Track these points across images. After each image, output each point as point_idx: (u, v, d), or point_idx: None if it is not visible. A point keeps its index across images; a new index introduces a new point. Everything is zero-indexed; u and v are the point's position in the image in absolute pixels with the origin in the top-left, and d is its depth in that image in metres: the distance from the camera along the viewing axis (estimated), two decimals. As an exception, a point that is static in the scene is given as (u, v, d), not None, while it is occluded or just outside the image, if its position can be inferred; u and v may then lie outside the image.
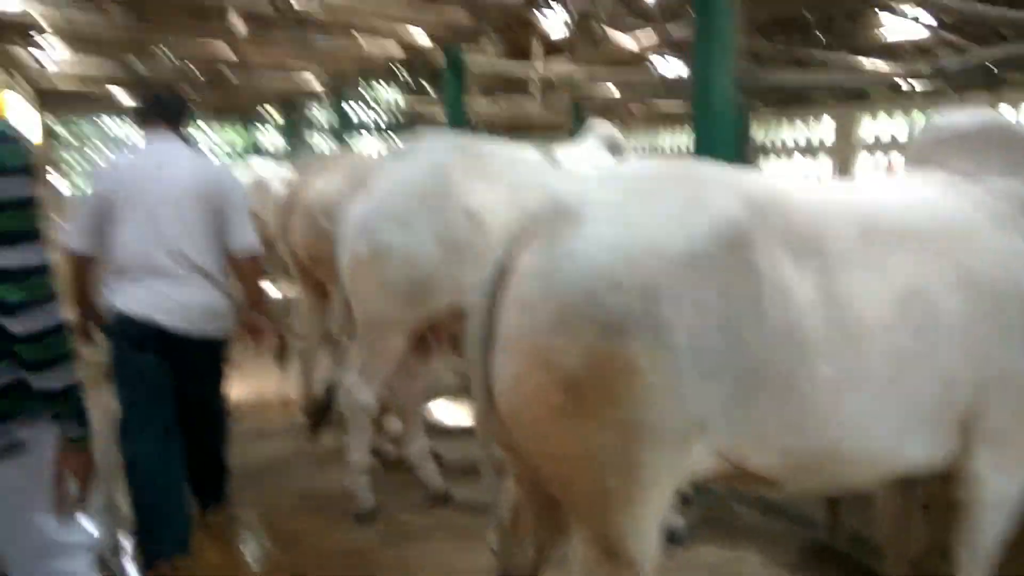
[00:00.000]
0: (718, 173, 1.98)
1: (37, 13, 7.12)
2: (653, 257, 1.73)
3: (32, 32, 8.36)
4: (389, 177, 3.38)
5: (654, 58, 13.07)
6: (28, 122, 8.87)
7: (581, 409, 1.73)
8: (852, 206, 2.05)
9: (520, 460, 2.01)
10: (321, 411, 4.25)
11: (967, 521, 2.23)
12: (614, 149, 6.05)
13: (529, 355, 1.77)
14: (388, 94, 18.85)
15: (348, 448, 3.64)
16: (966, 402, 2.06)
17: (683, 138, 15.11)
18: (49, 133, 14.90)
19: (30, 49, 9.26)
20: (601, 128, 6.21)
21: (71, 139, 17.91)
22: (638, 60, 12.98)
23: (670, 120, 14.17)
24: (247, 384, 5.74)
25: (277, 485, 4.10)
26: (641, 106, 11.74)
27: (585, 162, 5.58)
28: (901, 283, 1.95)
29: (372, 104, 16.36)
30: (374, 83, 17.48)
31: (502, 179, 3.37)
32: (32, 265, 1.65)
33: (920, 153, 2.34)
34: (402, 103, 15.75)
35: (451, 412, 5.35)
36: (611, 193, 1.86)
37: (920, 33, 9.57)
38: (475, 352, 1.88)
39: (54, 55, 10.01)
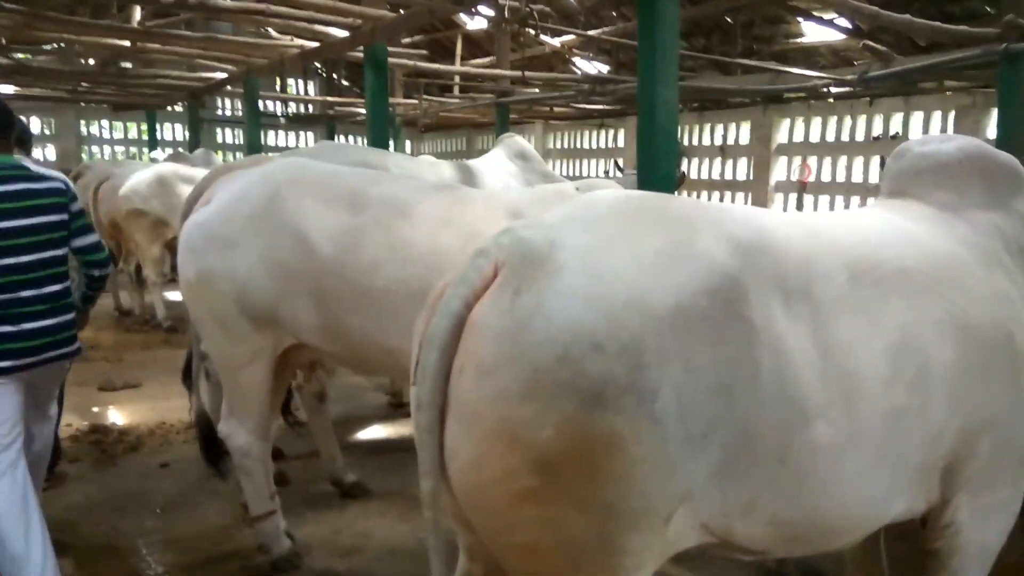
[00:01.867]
0: (697, 209, 1.76)
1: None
2: (637, 313, 1.49)
3: None
4: (221, 192, 2.99)
5: (577, 59, 13.01)
6: None
7: (555, 492, 1.48)
8: (839, 245, 1.86)
9: (476, 538, 1.73)
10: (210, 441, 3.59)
11: (943, 572, 2.10)
12: (522, 158, 5.89)
13: (492, 429, 1.49)
14: (304, 89, 18.15)
15: (246, 498, 3.26)
16: (951, 450, 1.92)
17: (605, 138, 15.13)
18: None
19: None
20: (508, 139, 6.09)
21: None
22: (562, 60, 12.89)
23: (593, 121, 14.17)
24: (148, 408, 5.26)
25: (181, 523, 3.69)
26: (566, 106, 11.61)
27: (494, 174, 5.42)
28: (894, 331, 1.77)
29: (285, 98, 15.68)
30: (290, 80, 16.78)
31: (341, 200, 2.91)
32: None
33: (897, 183, 2.19)
34: (317, 98, 15.15)
35: (380, 435, 5.02)
36: (585, 235, 1.60)
37: (835, 36, 9.82)
38: (424, 419, 1.59)
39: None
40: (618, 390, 1.45)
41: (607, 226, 1.63)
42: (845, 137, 10.42)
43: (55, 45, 10.42)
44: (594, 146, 14.87)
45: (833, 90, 8.99)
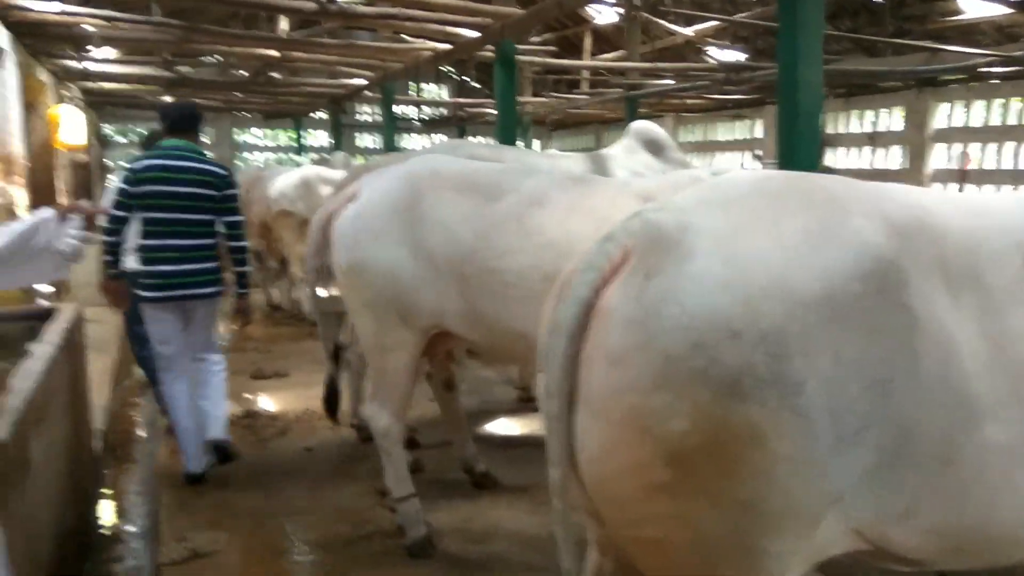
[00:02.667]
0: (847, 188, 1.63)
1: (85, 21, 7.05)
2: (779, 299, 1.39)
3: (82, 40, 8.32)
4: (368, 188, 3.18)
5: (711, 49, 12.59)
6: (77, 129, 8.85)
7: (689, 487, 1.41)
8: (1012, 226, 1.67)
9: (606, 531, 1.69)
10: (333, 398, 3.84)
11: None
12: (655, 148, 5.67)
13: (621, 419, 1.44)
14: (436, 92, 18.69)
15: (386, 480, 3.38)
16: None
17: (741, 130, 14.57)
18: (98, 137, 15.08)
19: (82, 58, 9.26)
20: (639, 126, 5.85)
21: (122, 141, 18.17)
22: (694, 51, 12.53)
23: (728, 112, 13.67)
24: (296, 395, 5.55)
25: (323, 503, 3.86)
26: (698, 98, 11.27)
27: (625, 164, 5.25)
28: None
29: (419, 102, 16.18)
30: (422, 83, 17.34)
31: (478, 191, 3.04)
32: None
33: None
34: (448, 100, 15.53)
35: (510, 428, 5.05)
36: (720, 216, 1.51)
37: (1000, 11, 8.93)
38: (553, 407, 1.56)
39: (103, 64, 10.03)
40: (757, 381, 1.36)
41: (745, 207, 1.54)
42: (1012, 120, 9.51)
43: (213, 58, 11.25)
44: (729, 138, 14.36)
45: (997, 70, 8.22)
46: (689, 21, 9.87)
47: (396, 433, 3.26)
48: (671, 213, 1.55)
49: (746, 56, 11.97)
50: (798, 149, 3.24)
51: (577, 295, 1.53)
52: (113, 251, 3.83)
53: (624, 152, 5.21)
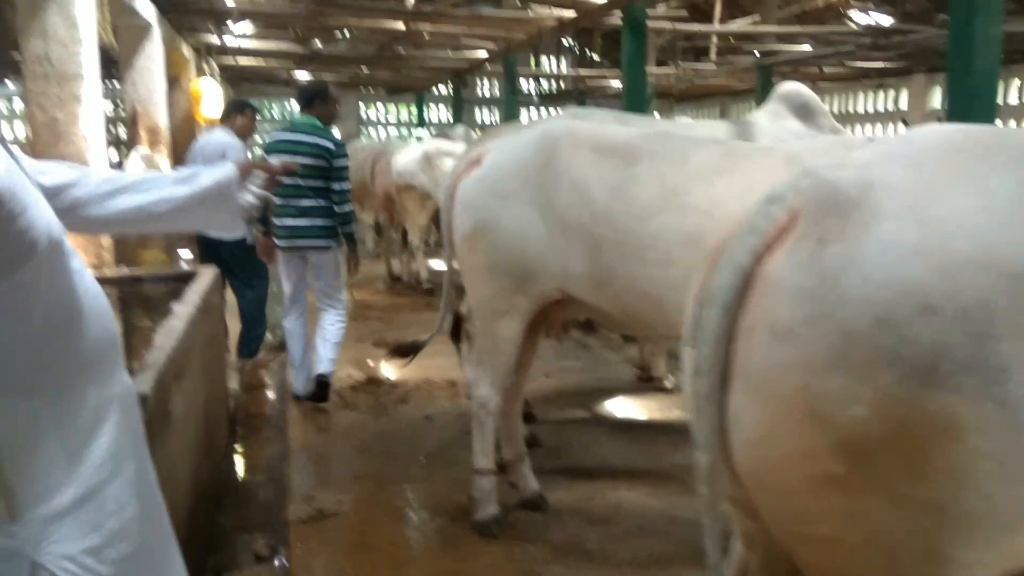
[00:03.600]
0: None
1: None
2: (984, 269, 1.18)
3: (222, 15, 8.69)
4: (496, 152, 3.08)
5: (853, 12, 11.74)
6: (216, 103, 9.29)
7: (867, 483, 1.23)
8: None
9: (757, 524, 1.53)
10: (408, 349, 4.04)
11: None
12: (805, 114, 5.22)
13: (789, 401, 1.28)
14: (556, 66, 18.49)
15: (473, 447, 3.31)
16: None
17: (884, 100, 13.59)
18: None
19: (221, 32, 9.69)
20: (787, 88, 5.37)
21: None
22: (834, 15, 11.72)
23: (870, 81, 12.74)
24: (415, 365, 5.61)
25: (440, 472, 3.86)
26: (838, 66, 10.53)
27: (772, 131, 4.87)
28: None
29: (540, 75, 16.04)
30: (543, 56, 17.18)
31: (617, 152, 2.87)
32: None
33: None
34: (568, 73, 15.28)
35: (628, 409, 4.91)
36: (912, 173, 1.31)
37: None
38: (703, 385, 1.41)
39: (240, 40, 10.46)
40: (956, 364, 1.16)
41: (941, 164, 1.32)
42: None
43: (342, 34, 11.52)
44: (871, 110, 13.42)
45: None
46: (830, -17, 9.21)
47: (494, 405, 3.18)
48: (850, 171, 1.35)
49: (891, 21, 11.09)
50: (973, 112, 2.88)
51: (735, 262, 1.37)
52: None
53: (769, 118, 4.84)
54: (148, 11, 7.62)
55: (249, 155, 5.39)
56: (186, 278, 3.99)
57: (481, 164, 3.07)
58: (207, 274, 4.03)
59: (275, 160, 4.09)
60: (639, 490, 3.65)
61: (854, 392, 1.21)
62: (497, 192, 2.96)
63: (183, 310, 3.21)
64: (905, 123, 8.28)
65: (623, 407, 4.92)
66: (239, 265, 5.24)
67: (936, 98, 12.49)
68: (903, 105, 12.70)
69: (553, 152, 2.92)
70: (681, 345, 1.55)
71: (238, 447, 4.36)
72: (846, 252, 1.25)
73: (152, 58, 7.91)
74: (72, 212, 1.66)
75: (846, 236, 1.27)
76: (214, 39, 9.85)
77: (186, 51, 9.94)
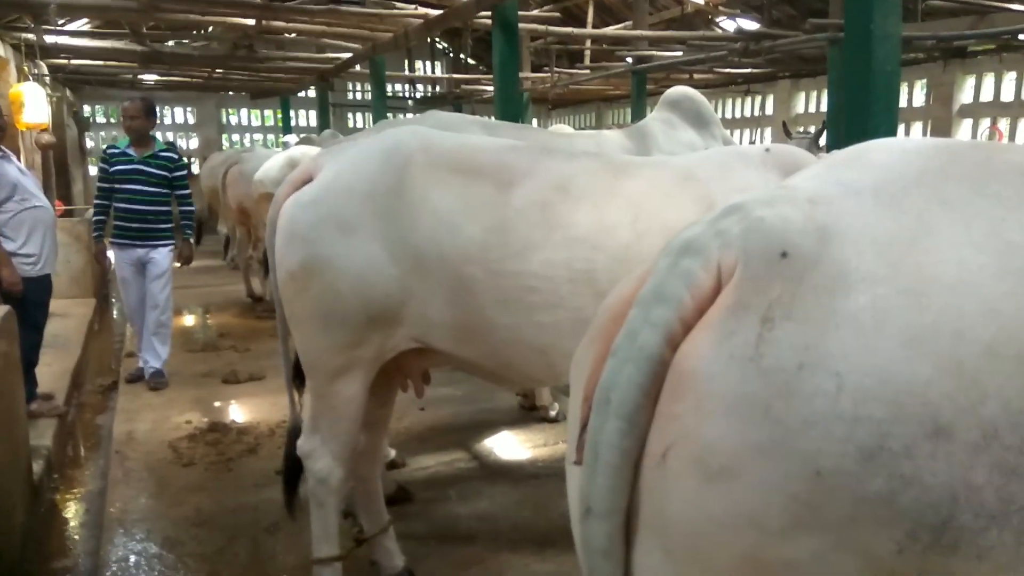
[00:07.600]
0: None
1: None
2: (1019, 362, 0.77)
3: (39, 10, 7.64)
4: (331, 168, 2.44)
5: (721, 19, 11.89)
6: (39, 109, 8.15)
7: None
8: None
9: None
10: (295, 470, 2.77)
11: None
12: (699, 122, 4.95)
13: (731, 570, 0.82)
14: (432, 69, 17.96)
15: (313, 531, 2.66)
16: None
17: (751, 106, 13.88)
18: (76, 117, 14.37)
19: (42, 31, 8.55)
20: (678, 94, 5.06)
21: (101, 121, 17.46)
22: (704, 21, 11.81)
23: (738, 88, 12.98)
24: (268, 403, 4.94)
25: (291, 548, 3.25)
26: (708, 72, 10.58)
27: (668, 143, 4.56)
28: None
29: (411, 79, 15.48)
30: (417, 61, 16.61)
31: (485, 173, 2.37)
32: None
33: None
34: (442, 76, 14.81)
35: (511, 447, 4.45)
36: (885, 215, 0.88)
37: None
38: (598, 536, 0.93)
39: (71, 38, 9.32)
40: (983, 516, 0.75)
41: (929, 197, 0.90)
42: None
43: (199, 32, 10.54)
44: (738, 115, 13.72)
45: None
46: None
47: (336, 480, 2.54)
48: (795, 208, 0.92)
49: (758, 27, 11.29)
50: (871, 116, 2.59)
51: (643, 349, 0.90)
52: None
53: (663, 127, 4.50)
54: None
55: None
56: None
57: (312, 184, 2.44)
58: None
59: (118, 169, 5.32)
60: (524, 551, 3.19)
61: (831, 564, 0.77)
62: (333, 220, 2.33)
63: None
64: (785, 127, 8.29)
65: (505, 445, 4.44)
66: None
67: (800, 103, 12.93)
68: (768, 110, 13.02)
69: (404, 171, 2.35)
70: (565, 463, 1.07)
71: (40, 524, 3.57)
72: (804, 338, 0.81)
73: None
74: None
75: (804, 312, 0.83)
76: (34, 37, 8.68)
77: (1, 49, 8.72)
